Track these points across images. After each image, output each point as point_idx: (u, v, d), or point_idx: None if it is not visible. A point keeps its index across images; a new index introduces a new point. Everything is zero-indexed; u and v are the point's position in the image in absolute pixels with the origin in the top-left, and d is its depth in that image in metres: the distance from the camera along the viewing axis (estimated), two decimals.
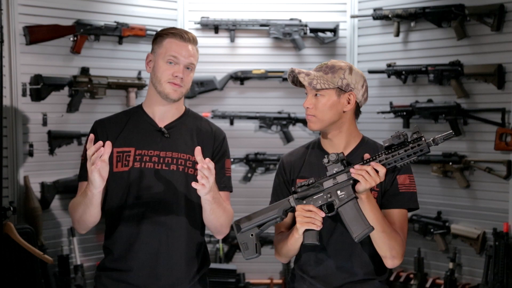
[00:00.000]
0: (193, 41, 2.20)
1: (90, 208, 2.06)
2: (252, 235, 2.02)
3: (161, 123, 2.23)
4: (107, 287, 2.18)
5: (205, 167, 1.94)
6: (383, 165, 1.88)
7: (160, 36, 2.20)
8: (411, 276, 3.88)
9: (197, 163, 2.03)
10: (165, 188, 2.14)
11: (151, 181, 2.15)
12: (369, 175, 1.87)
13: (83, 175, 2.17)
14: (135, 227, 2.14)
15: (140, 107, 2.28)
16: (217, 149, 2.26)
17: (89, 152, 1.91)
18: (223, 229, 2.22)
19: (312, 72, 2.08)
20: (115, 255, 2.17)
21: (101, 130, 2.21)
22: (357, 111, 2.11)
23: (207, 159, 1.96)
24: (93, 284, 3.69)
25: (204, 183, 1.95)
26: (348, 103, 2.06)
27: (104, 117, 2.30)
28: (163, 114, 2.23)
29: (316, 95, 2.05)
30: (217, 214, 2.13)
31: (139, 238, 2.14)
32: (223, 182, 2.24)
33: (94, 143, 1.97)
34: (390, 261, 2.01)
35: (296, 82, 2.14)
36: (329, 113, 2.05)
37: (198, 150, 1.96)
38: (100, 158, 1.90)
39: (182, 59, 2.15)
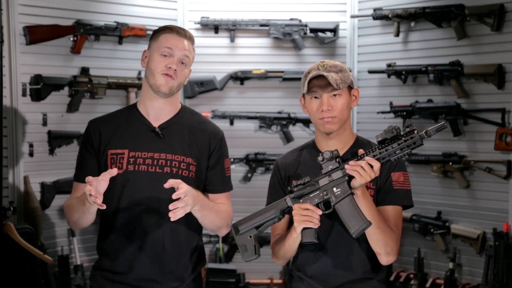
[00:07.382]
0: (189, 37, 2.19)
1: (86, 215, 2.06)
2: (250, 236, 2.01)
3: (156, 122, 2.19)
4: (103, 287, 2.19)
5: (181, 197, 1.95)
6: (377, 159, 1.88)
7: (157, 32, 2.20)
8: (411, 276, 3.88)
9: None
10: (158, 191, 2.10)
11: (144, 184, 2.12)
12: (363, 170, 1.87)
13: (79, 176, 2.18)
14: (130, 230, 2.13)
15: (134, 106, 2.26)
16: (215, 149, 2.22)
17: (88, 190, 1.90)
18: (221, 230, 2.23)
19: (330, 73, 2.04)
20: (111, 256, 2.17)
21: (94, 130, 2.21)
22: None
23: (180, 186, 1.96)
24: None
25: (182, 212, 1.96)
26: (354, 99, 2.10)
27: (99, 116, 2.29)
28: (157, 112, 2.20)
29: (334, 95, 2.04)
30: (210, 218, 2.13)
31: (134, 240, 2.13)
32: (224, 183, 2.24)
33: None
34: (385, 257, 2.01)
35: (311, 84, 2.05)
36: (346, 112, 2.07)
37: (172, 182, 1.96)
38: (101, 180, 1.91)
39: (177, 51, 2.14)
